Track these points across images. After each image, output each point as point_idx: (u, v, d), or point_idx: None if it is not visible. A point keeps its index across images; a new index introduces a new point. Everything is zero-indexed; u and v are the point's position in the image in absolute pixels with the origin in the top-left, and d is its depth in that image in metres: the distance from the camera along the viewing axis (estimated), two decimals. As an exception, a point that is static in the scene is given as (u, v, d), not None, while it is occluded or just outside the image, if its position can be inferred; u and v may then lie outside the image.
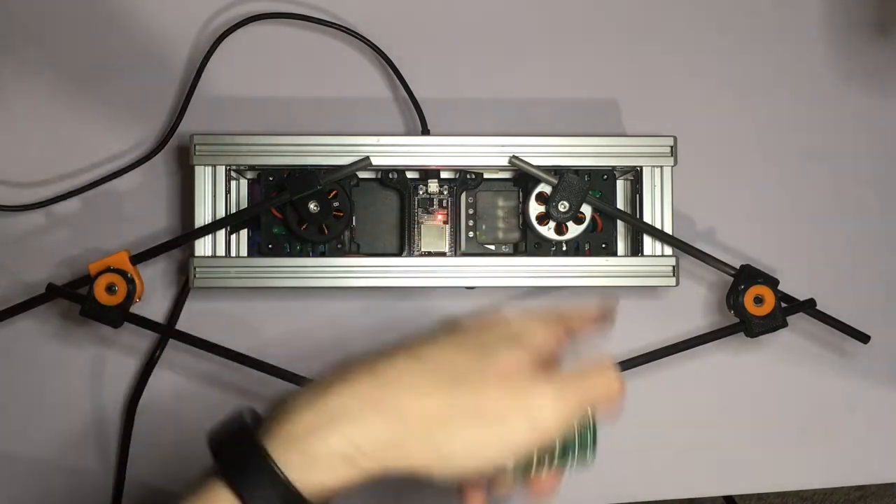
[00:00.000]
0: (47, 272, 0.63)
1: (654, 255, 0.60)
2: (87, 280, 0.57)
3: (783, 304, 0.60)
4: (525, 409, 0.41)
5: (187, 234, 0.59)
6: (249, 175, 0.62)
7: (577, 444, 0.43)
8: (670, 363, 0.63)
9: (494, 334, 0.43)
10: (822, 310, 0.61)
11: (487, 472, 0.42)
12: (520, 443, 0.41)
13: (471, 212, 0.63)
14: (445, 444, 0.40)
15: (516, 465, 0.42)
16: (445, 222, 0.62)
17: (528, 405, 0.41)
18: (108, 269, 0.57)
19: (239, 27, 0.64)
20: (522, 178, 0.62)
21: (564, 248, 0.61)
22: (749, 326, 0.59)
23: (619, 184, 0.62)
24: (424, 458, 0.40)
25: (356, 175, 0.61)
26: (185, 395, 0.64)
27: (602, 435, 0.47)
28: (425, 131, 0.63)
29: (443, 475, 0.40)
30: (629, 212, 0.62)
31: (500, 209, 0.63)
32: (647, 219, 0.60)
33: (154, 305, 0.64)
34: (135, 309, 0.58)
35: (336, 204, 0.59)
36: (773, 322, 0.59)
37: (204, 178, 0.59)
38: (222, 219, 0.59)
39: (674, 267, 0.60)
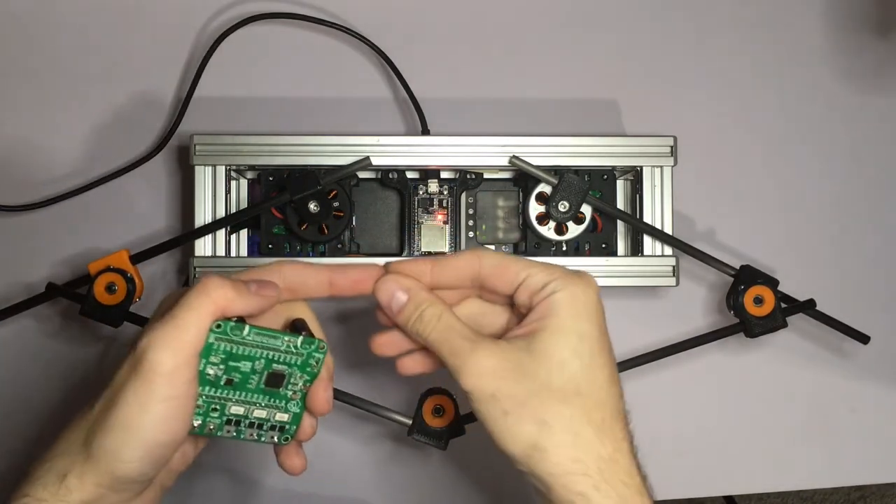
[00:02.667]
0: (47, 272, 0.63)
1: (654, 255, 0.60)
2: (87, 279, 0.57)
3: (783, 305, 0.59)
4: None
5: (187, 234, 0.59)
6: (249, 175, 0.62)
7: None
8: (670, 363, 0.63)
9: None
10: (822, 310, 0.61)
11: None
12: None
13: (471, 212, 0.63)
14: None
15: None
16: (445, 222, 0.62)
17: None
18: (108, 269, 0.57)
19: (239, 27, 0.64)
20: (522, 178, 0.62)
21: (564, 248, 0.61)
22: (749, 327, 0.59)
23: (619, 184, 0.62)
24: None
25: (356, 175, 0.61)
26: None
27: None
28: (425, 131, 0.63)
29: None
30: (629, 212, 0.62)
31: (500, 209, 0.63)
32: (647, 219, 0.60)
33: (154, 305, 0.63)
34: (135, 308, 0.58)
35: (336, 204, 0.59)
36: (773, 322, 0.59)
37: (204, 178, 0.59)
38: (222, 219, 0.59)
39: (674, 267, 0.60)
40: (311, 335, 0.44)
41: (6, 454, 0.63)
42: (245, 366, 0.43)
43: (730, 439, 0.66)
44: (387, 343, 0.46)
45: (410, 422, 0.57)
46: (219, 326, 0.41)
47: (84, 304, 0.57)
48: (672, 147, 0.60)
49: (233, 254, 0.61)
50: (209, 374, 0.42)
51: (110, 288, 0.57)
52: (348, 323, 0.65)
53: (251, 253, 0.62)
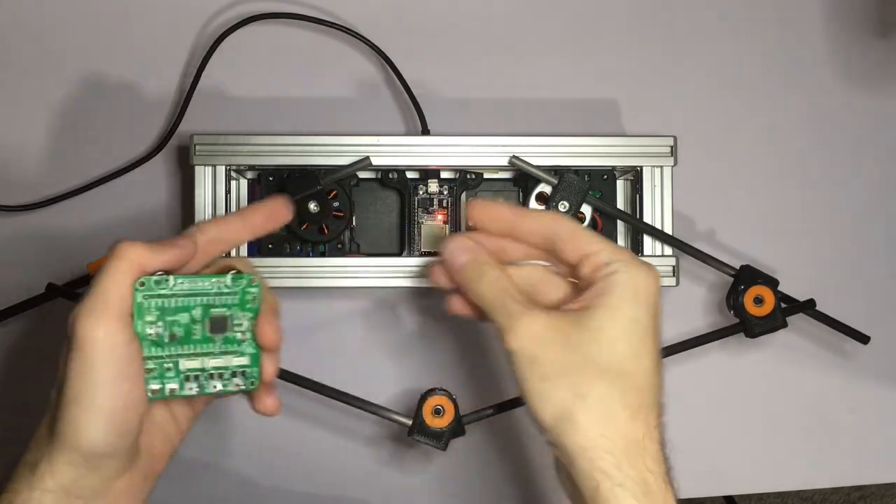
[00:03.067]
0: (47, 272, 0.63)
1: (654, 255, 0.60)
2: (87, 280, 0.57)
3: (783, 305, 0.59)
4: None
5: (187, 234, 0.59)
6: (249, 175, 0.62)
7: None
8: (670, 363, 0.63)
9: None
10: (822, 310, 0.61)
11: None
12: None
13: (471, 212, 0.63)
14: None
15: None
16: (445, 222, 0.62)
17: None
18: (108, 269, 0.57)
19: (239, 27, 0.64)
20: (522, 178, 0.62)
21: (564, 248, 0.61)
22: (749, 327, 0.59)
23: (619, 184, 0.62)
24: None
25: (356, 175, 0.61)
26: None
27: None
28: (425, 131, 0.63)
29: None
30: (629, 212, 0.62)
31: (500, 209, 0.63)
32: (647, 219, 0.60)
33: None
34: (135, 309, 0.58)
35: (336, 204, 0.59)
36: (773, 322, 0.59)
37: (204, 178, 0.59)
38: (222, 219, 0.59)
39: (674, 267, 0.60)
40: (241, 272, 0.44)
41: (6, 454, 0.63)
42: (183, 318, 0.43)
43: (730, 439, 0.66)
44: (443, 276, 0.48)
45: (410, 422, 0.57)
46: (143, 284, 0.41)
47: (84, 305, 0.57)
48: (672, 147, 0.60)
49: (233, 254, 0.61)
50: (150, 334, 0.42)
51: (110, 288, 0.57)
52: (348, 323, 0.65)
53: (251, 253, 0.62)
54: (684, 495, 0.66)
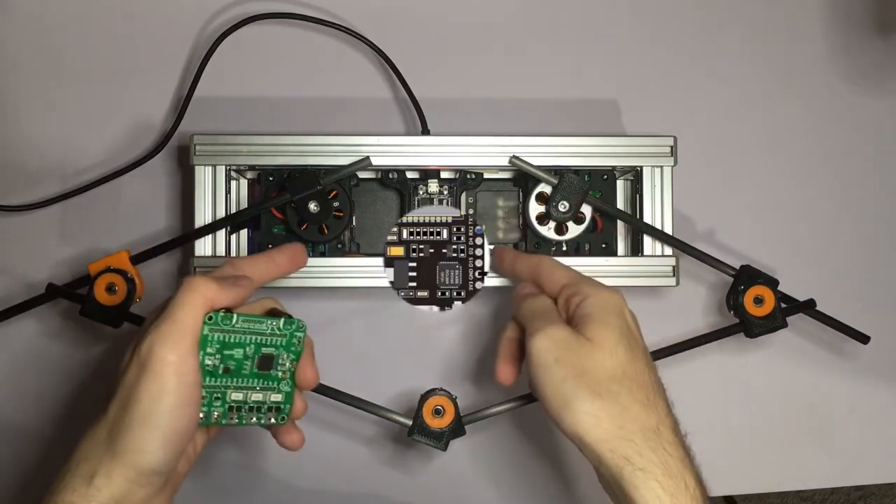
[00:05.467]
0: (47, 272, 0.63)
1: (654, 255, 0.60)
2: (87, 280, 0.57)
3: (783, 305, 0.59)
4: None
5: (187, 234, 0.59)
6: (249, 175, 0.62)
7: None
8: (670, 363, 0.63)
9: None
10: (822, 310, 0.61)
11: None
12: None
13: (471, 212, 0.63)
14: None
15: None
16: (445, 222, 0.63)
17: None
18: (108, 269, 0.57)
19: (239, 27, 0.64)
20: (522, 178, 0.62)
21: (564, 248, 0.61)
22: (749, 327, 0.59)
23: (619, 184, 0.62)
24: None
25: (356, 175, 0.61)
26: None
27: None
28: (425, 131, 0.63)
29: None
30: (629, 212, 0.62)
31: (500, 209, 0.63)
32: (647, 219, 0.60)
33: (154, 305, 0.63)
34: (135, 309, 0.58)
35: (336, 204, 0.59)
36: (773, 322, 0.59)
37: (204, 178, 0.59)
38: (222, 219, 0.59)
39: (674, 267, 0.60)
40: (291, 316, 0.48)
41: (7, 453, 0.63)
42: (238, 352, 0.47)
43: (730, 439, 0.66)
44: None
45: (410, 422, 0.57)
46: (210, 318, 0.45)
47: (84, 305, 0.57)
48: (672, 147, 0.60)
49: (233, 254, 0.61)
50: (208, 365, 0.46)
51: (111, 288, 0.57)
52: (348, 323, 0.65)
53: (251, 253, 0.62)
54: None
